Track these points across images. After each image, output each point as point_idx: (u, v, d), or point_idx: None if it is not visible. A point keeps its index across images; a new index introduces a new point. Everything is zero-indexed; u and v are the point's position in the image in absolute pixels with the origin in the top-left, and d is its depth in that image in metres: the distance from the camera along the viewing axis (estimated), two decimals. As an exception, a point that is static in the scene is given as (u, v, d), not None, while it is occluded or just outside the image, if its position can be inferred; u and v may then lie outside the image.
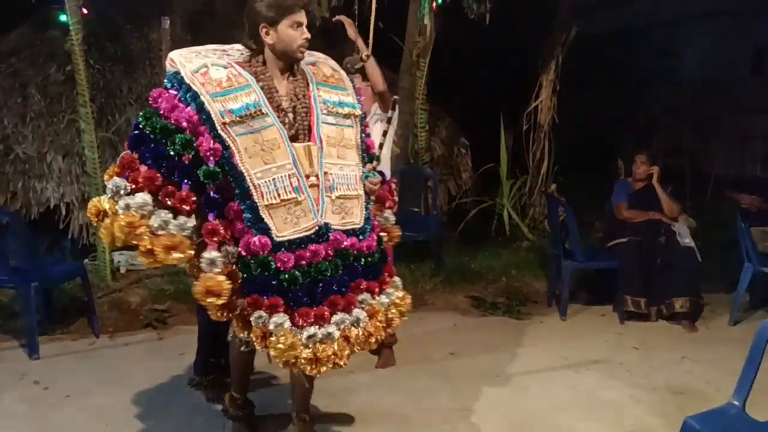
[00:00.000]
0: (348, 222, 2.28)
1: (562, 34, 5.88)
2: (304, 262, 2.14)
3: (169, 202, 2.08)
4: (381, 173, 2.50)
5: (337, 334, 2.17)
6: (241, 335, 2.23)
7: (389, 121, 2.88)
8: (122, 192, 2.08)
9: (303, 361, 2.12)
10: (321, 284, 2.17)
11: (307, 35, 2.26)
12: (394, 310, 2.39)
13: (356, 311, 2.23)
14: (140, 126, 2.12)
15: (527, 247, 5.60)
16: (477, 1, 4.98)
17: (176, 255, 2.06)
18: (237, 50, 2.33)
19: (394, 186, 3.48)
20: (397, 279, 2.52)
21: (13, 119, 5.05)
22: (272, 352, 2.13)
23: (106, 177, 2.17)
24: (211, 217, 2.11)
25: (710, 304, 4.46)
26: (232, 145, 2.11)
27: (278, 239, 2.12)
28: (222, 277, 2.08)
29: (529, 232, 5.81)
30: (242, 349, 2.36)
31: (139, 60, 5.55)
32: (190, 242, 2.11)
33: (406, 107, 5.09)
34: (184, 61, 2.18)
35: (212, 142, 2.09)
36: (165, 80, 2.21)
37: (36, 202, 4.79)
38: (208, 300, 2.08)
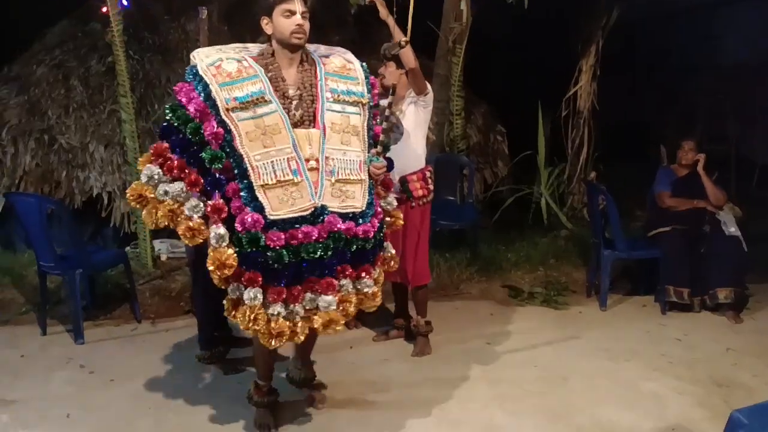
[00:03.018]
0: (348, 205, 2.37)
1: (602, 17, 5.72)
2: (295, 242, 2.25)
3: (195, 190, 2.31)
4: (389, 159, 2.59)
5: (302, 312, 2.32)
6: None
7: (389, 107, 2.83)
8: (156, 178, 2.30)
9: (261, 333, 2.28)
10: (306, 264, 2.28)
11: (299, 22, 2.37)
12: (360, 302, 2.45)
13: (328, 298, 2.32)
14: (167, 117, 2.34)
15: (566, 236, 5.50)
16: (515, -14, 4.87)
17: (198, 239, 2.29)
18: (257, 47, 2.50)
19: (429, 174, 3.50)
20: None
21: (57, 110, 5.18)
22: (238, 321, 2.29)
23: (140, 164, 2.39)
24: (216, 196, 2.29)
25: (756, 295, 4.33)
26: (233, 129, 2.27)
27: (272, 217, 2.24)
28: (231, 251, 2.23)
29: (567, 221, 5.71)
30: None
31: (177, 50, 5.62)
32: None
33: (441, 94, 5.04)
34: (203, 56, 2.38)
35: (215, 127, 2.26)
36: (186, 74, 2.39)
37: (79, 191, 4.91)
38: (220, 272, 2.24)
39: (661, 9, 7.67)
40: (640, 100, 7.74)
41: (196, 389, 3.15)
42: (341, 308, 2.36)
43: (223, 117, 2.27)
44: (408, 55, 3.28)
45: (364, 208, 2.39)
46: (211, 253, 2.25)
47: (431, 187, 3.52)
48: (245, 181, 2.25)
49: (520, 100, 6.14)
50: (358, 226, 2.36)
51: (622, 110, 7.33)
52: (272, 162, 2.26)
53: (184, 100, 2.32)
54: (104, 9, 4.46)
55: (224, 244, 2.24)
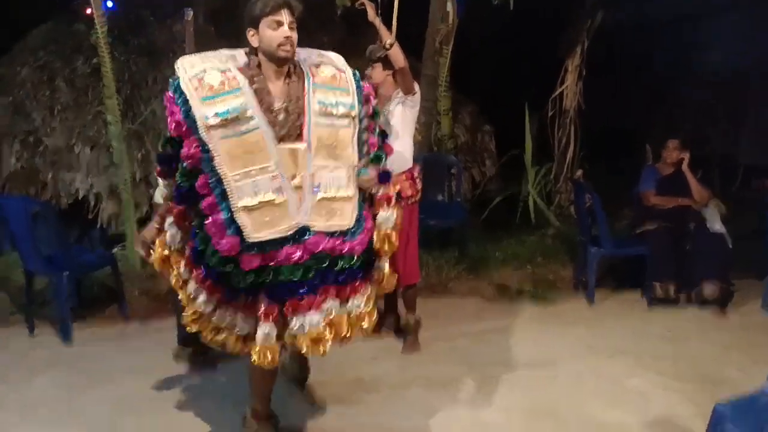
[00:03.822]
0: (335, 224, 2.24)
1: (588, 18, 5.78)
2: (273, 263, 2.17)
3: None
4: (385, 172, 2.44)
5: (273, 334, 2.22)
6: None
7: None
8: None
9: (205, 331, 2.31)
10: (285, 285, 2.20)
11: (287, 34, 2.24)
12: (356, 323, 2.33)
13: (314, 317, 2.22)
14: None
15: (553, 234, 5.54)
16: (501, -14, 4.91)
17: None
18: (245, 54, 2.35)
19: (417, 173, 3.52)
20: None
21: (42, 112, 5.15)
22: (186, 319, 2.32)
23: None
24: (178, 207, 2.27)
25: (740, 291, 4.34)
26: (213, 147, 2.14)
27: (251, 240, 2.15)
28: (172, 252, 2.31)
29: (555, 219, 5.75)
30: None
31: (163, 52, 5.60)
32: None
33: (429, 94, 5.06)
34: (187, 66, 2.24)
35: (192, 147, 2.16)
36: (169, 85, 2.27)
37: (65, 193, 4.89)
38: (159, 267, 2.36)
39: (649, 12, 7.75)
40: (625, 100, 7.80)
41: (183, 390, 3.13)
42: (331, 330, 2.24)
43: (202, 135, 2.14)
44: (397, 55, 3.30)
45: (352, 225, 2.27)
46: (158, 247, 2.34)
47: (419, 186, 3.54)
48: (225, 203, 2.15)
49: (508, 100, 6.18)
50: (344, 243, 2.24)
51: (608, 109, 7.38)
52: (254, 182, 2.15)
53: (168, 112, 2.24)
54: (88, 10, 4.43)
55: (176, 242, 2.29)
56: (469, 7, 5.26)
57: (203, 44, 4.23)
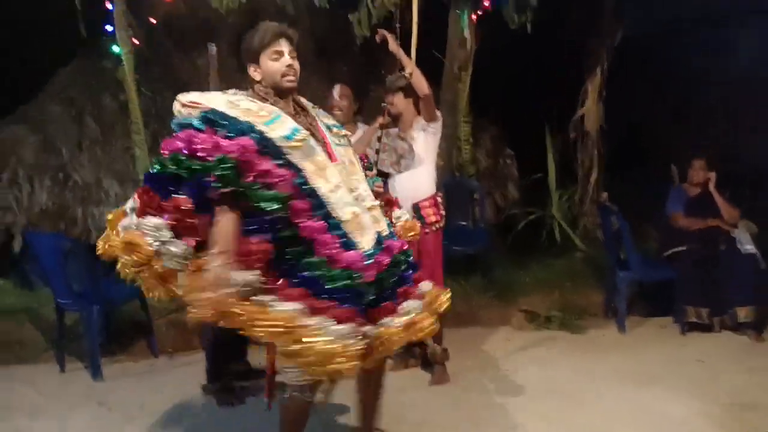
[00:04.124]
0: (383, 230, 2.36)
1: (606, 38, 5.77)
2: (379, 272, 2.22)
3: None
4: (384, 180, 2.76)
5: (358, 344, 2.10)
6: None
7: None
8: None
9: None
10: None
11: (289, 62, 2.25)
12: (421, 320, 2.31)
13: (393, 319, 2.24)
14: (168, 169, 2.04)
15: (581, 258, 5.47)
16: (518, 11, 4.93)
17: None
18: (243, 92, 2.31)
19: (440, 199, 3.53)
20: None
21: (71, 147, 5.25)
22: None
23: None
24: (257, 236, 2.07)
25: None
26: (303, 168, 2.16)
27: (366, 251, 2.20)
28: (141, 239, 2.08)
29: (581, 243, 5.67)
30: (304, 397, 2.27)
31: (188, 85, 5.68)
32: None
33: (449, 120, 5.07)
34: (210, 98, 2.18)
35: (279, 168, 2.10)
36: (195, 121, 2.10)
37: (95, 228, 4.94)
38: (125, 257, 2.16)
39: (668, 26, 7.71)
40: (649, 119, 7.73)
41: (212, 426, 3.13)
42: (409, 329, 2.27)
43: (289, 157, 2.13)
44: (420, 83, 3.34)
45: (389, 229, 2.43)
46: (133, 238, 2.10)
47: (443, 212, 3.55)
48: (332, 221, 2.16)
49: (529, 123, 6.16)
50: (396, 242, 2.37)
51: (631, 130, 7.32)
52: (339, 197, 2.20)
53: (205, 148, 2.01)
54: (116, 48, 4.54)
55: (166, 238, 2.07)
56: (487, 31, 5.28)
57: (227, 77, 4.32)
